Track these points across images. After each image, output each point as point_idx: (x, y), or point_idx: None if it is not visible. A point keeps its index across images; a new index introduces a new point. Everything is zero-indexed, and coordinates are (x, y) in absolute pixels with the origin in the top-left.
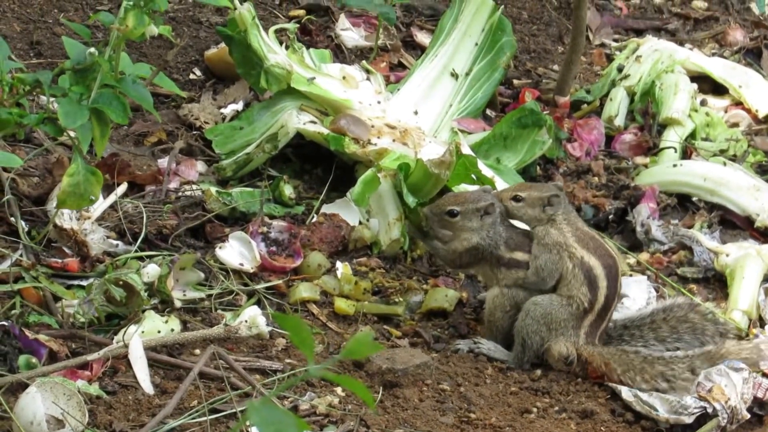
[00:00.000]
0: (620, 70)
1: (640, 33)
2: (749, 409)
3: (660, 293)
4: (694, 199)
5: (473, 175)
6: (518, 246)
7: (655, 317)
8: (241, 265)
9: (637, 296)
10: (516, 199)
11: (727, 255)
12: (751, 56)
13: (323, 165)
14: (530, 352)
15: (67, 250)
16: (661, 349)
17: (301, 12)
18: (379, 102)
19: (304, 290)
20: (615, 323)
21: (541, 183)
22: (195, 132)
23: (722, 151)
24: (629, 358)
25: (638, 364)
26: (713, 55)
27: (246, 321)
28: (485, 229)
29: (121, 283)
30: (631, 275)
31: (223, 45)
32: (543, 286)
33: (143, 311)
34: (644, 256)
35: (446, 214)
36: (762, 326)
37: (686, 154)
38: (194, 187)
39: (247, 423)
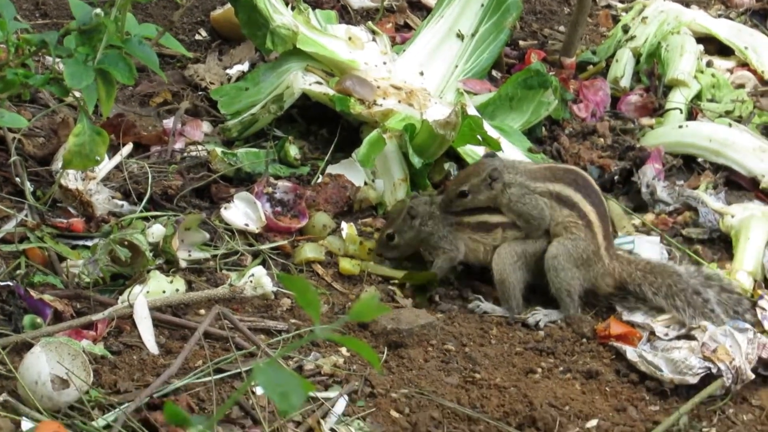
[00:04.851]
0: (626, 31)
1: None
2: (754, 370)
3: (672, 255)
4: (700, 160)
5: (479, 136)
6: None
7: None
8: (246, 225)
9: (651, 257)
10: (462, 194)
11: (733, 216)
12: (757, 18)
13: (328, 126)
14: (578, 297)
15: (72, 211)
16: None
17: None
18: (384, 63)
19: (309, 251)
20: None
21: (471, 165)
22: (200, 93)
23: (728, 113)
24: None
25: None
26: (719, 16)
27: (251, 281)
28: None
29: (126, 243)
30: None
31: (228, 6)
32: (545, 226)
33: (148, 271)
34: (649, 217)
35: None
36: (767, 287)
37: (692, 115)
38: (199, 147)
39: (253, 383)
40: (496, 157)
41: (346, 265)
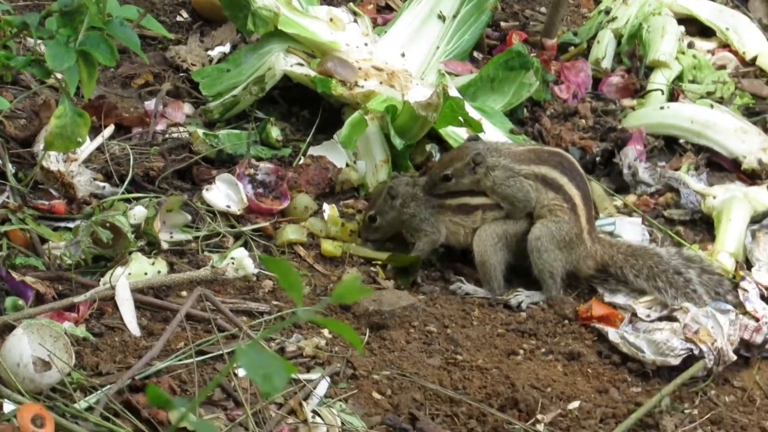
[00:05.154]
0: (607, 12)
1: None
2: (736, 351)
3: (653, 237)
4: (681, 141)
5: (460, 118)
6: None
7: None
8: (228, 207)
9: (632, 238)
10: (446, 178)
11: (714, 197)
12: None
13: (310, 107)
14: (560, 279)
15: (53, 192)
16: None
17: None
18: (366, 44)
19: (290, 232)
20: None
21: (455, 148)
22: (182, 74)
23: (709, 94)
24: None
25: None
26: None
27: (233, 263)
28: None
29: (107, 225)
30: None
31: None
32: (530, 208)
33: (130, 253)
34: (631, 198)
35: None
36: (749, 268)
37: (673, 96)
38: (181, 129)
39: (235, 365)
40: (479, 141)
41: (328, 246)
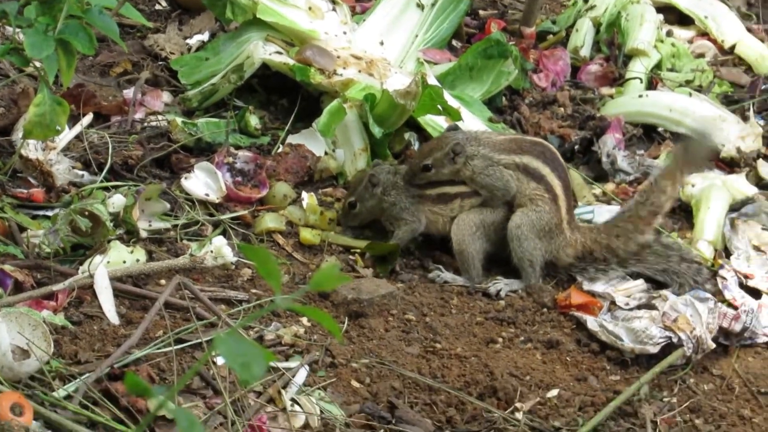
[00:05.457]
0: (586, 0)
1: None
2: (714, 339)
3: None
4: (660, 129)
5: (439, 106)
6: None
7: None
8: (207, 195)
9: None
10: (426, 168)
11: (693, 185)
12: None
13: (289, 95)
14: (539, 267)
15: (32, 181)
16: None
17: None
18: (344, 33)
19: (269, 220)
20: None
21: (434, 138)
22: (160, 63)
23: (688, 82)
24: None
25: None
26: None
27: (211, 251)
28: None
29: (86, 213)
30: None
31: None
32: (509, 197)
33: (109, 241)
34: (610, 187)
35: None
36: (727, 257)
37: (652, 84)
38: (160, 117)
39: (213, 354)
40: (459, 130)
41: (307, 235)
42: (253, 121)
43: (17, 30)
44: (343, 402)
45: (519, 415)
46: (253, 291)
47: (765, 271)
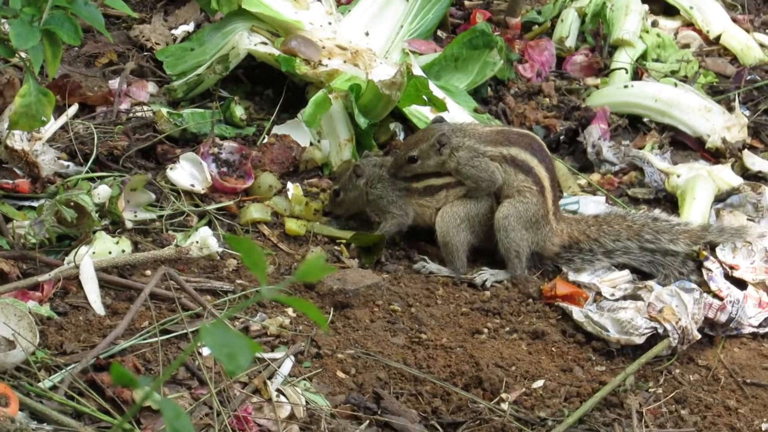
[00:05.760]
0: None
1: None
2: (700, 330)
3: None
4: (645, 119)
5: (424, 97)
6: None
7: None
8: (192, 186)
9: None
10: (411, 160)
11: (678, 176)
12: None
13: (274, 86)
14: (525, 258)
15: (18, 171)
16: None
17: None
18: (330, 23)
19: (255, 211)
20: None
21: (420, 130)
22: (146, 53)
23: (673, 72)
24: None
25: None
26: None
27: (197, 242)
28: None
29: (72, 204)
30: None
31: None
32: (494, 188)
33: (94, 232)
34: (595, 177)
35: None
36: (712, 248)
37: (637, 75)
38: (145, 108)
39: (199, 344)
40: (444, 122)
41: (292, 225)
42: (239, 111)
43: (3, 20)
44: (328, 392)
45: (504, 406)
46: (239, 281)
47: (750, 262)
